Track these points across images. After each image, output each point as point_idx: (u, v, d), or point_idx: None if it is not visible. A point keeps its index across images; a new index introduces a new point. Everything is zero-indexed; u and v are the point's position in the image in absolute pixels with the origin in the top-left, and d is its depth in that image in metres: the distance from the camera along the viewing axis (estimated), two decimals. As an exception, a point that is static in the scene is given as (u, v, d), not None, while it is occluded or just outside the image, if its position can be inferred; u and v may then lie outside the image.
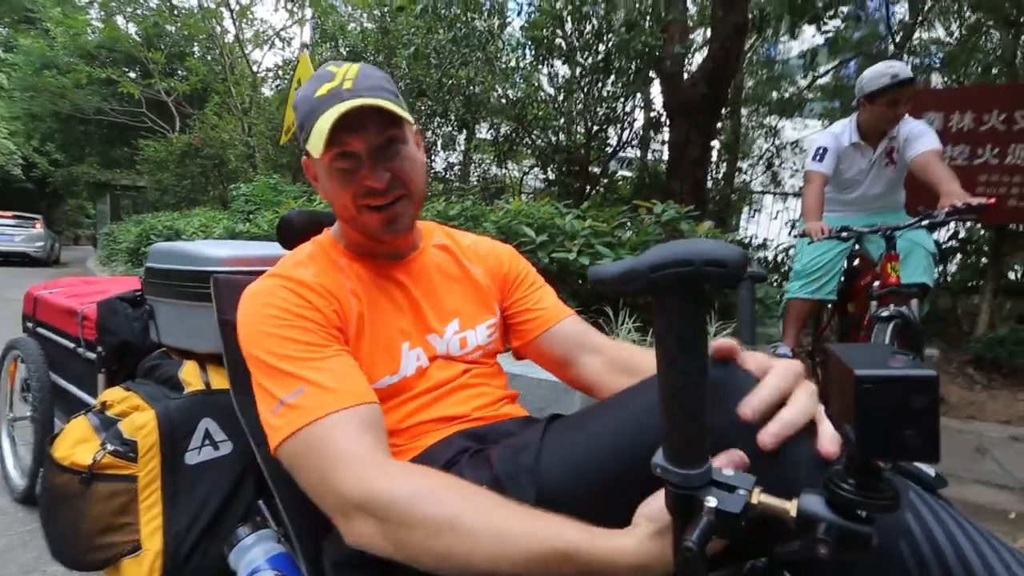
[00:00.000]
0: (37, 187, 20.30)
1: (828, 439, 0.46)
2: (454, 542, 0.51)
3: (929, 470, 0.83)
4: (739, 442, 0.47)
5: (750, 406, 0.48)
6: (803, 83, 7.04)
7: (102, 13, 13.07)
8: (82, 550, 0.91)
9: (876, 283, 1.95)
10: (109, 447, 0.92)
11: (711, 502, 0.32)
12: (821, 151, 2.19)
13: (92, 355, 1.35)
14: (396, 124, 0.72)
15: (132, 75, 12.57)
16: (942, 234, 3.88)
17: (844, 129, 2.21)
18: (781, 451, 0.46)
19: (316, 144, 0.68)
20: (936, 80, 6.30)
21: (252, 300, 0.72)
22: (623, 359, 0.83)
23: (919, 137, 2.04)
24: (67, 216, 23.88)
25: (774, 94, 7.15)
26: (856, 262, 2.39)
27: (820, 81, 7.01)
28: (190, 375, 1.05)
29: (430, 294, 0.83)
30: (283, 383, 0.64)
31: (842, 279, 2.33)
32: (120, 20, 12.65)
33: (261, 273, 0.87)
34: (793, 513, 0.33)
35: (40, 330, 1.65)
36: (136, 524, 0.91)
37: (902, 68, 2.03)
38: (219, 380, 1.04)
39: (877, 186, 2.23)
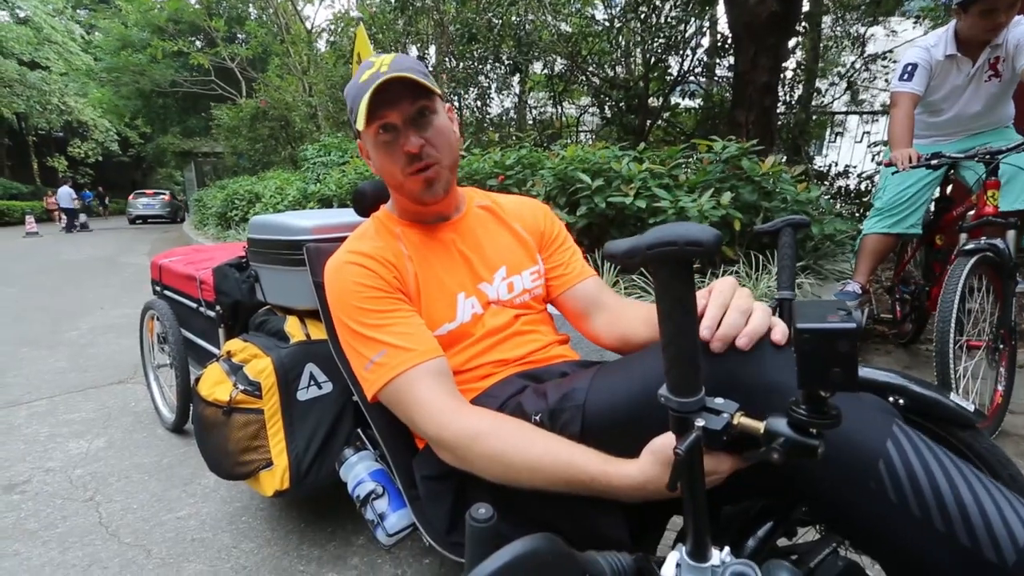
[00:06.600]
0: (132, 160, 22.59)
1: (779, 332, 0.59)
2: (502, 470, 0.69)
3: (968, 406, 0.87)
4: (773, 397, 0.52)
5: (707, 328, 0.59)
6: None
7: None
8: (230, 465, 1.17)
9: (970, 213, 1.76)
10: (240, 387, 1.16)
11: (700, 422, 0.42)
12: (910, 68, 1.96)
13: (211, 313, 1.62)
14: (425, 96, 0.83)
15: (198, 44, 13.22)
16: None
17: (939, 41, 1.94)
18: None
19: (360, 119, 0.80)
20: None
21: (333, 275, 0.88)
22: (620, 325, 0.93)
23: None
24: (159, 184, 26.27)
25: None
26: (949, 190, 2.14)
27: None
28: (293, 328, 1.25)
29: (478, 248, 0.96)
30: (369, 346, 0.82)
31: (930, 211, 2.13)
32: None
33: (344, 239, 1.02)
34: (762, 431, 0.42)
35: (167, 293, 1.95)
36: (267, 445, 1.15)
37: None
38: (316, 332, 1.24)
39: (975, 103, 1.97)
